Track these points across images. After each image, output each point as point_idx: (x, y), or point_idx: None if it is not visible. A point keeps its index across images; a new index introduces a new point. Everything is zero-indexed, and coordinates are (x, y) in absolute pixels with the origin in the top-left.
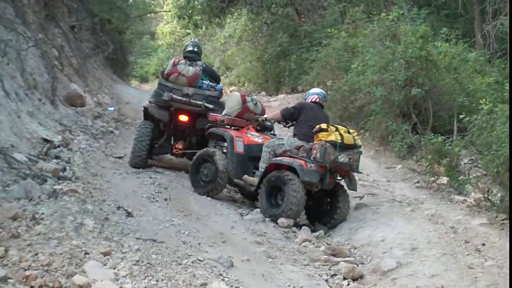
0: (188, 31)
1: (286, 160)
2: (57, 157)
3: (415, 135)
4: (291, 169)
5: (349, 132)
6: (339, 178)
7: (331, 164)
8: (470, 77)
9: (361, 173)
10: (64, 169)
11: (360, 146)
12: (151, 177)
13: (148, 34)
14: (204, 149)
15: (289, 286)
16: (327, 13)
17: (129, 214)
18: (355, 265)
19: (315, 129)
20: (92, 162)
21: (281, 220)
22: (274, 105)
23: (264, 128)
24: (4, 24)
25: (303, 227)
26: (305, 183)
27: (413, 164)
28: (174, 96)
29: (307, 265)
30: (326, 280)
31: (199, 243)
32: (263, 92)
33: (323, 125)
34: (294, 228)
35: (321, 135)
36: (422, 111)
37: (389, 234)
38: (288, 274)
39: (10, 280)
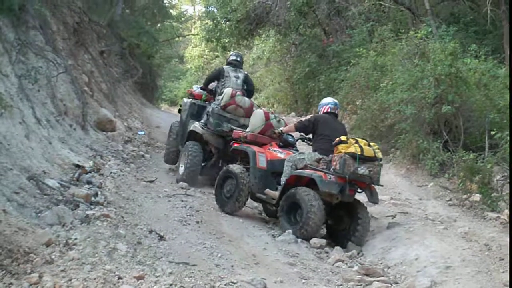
0: (216, 53)
1: (306, 172)
2: (88, 182)
3: (446, 152)
4: (311, 183)
5: (369, 145)
6: (360, 191)
7: (351, 175)
8: (500, 93)
9: (382, 185)
10: (96, 194)
11: (381, 159)
12: (182, 200)
13: (176, 57)
14: (228, 165)
15: None
16: (355, 32)
17: (161, 238)
18: (389, 285)
19: (335, 141)
20: (124, 187)
21: (314, 241)
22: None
23: (286, 144)
24: (34, 52)
25: (335, 247)
26: (324, 194)
27: (445, 182)
28: (233, 127)
29: (340, 285)
30: None
31: (232, 266)
32: (292, 113)
33: (343, 138)
34: (326, 249)
35: (341, 147)
36: (453, 128)
37: (423, 253)
38: None
39: None
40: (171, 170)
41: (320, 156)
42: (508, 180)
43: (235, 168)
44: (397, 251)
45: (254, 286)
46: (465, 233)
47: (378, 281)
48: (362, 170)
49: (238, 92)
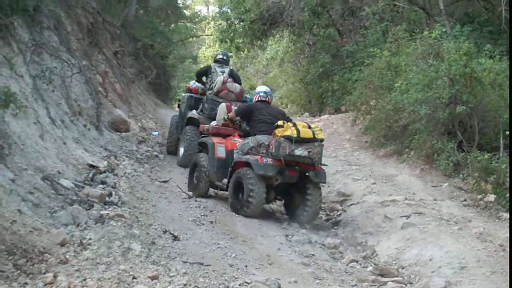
0: (230, 54)
1: (244, 157)
2: (103, 183)
3: (461, 153)
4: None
5: (309, 127)
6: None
7: (287, 157)
8: None
9: (326, 165)
10: (110, 194)
11: (322, 140)
12: (196, 201)
13: (190, 58)
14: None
15: None
16: (369, 32)
17: (175, 238)
18: (404, 285)
19: (273, 126)
20: (138, 187)
21: (328, 241)
22: (318, 125)
23: (248, 134)
24: (49, 52)
25: (349, 248)
26: (262, 176)
27: (459, 182)
28: None
29: (354, 285)
30: None
31: (246, 266)
32: (306, 113)
33: (280, 122)
34: (341, 249)
35: (278, 131)
36: (468, 129)
37: (437, 253)
38: None
39: None
40: (186, 170)
41: (262, 141)
42: None
43: (200, 157)
44: (411, 252)
45: (268, 286)
46: (480, 233)
47: (392, 281)
48: (300, 151)
49: (229, 79)
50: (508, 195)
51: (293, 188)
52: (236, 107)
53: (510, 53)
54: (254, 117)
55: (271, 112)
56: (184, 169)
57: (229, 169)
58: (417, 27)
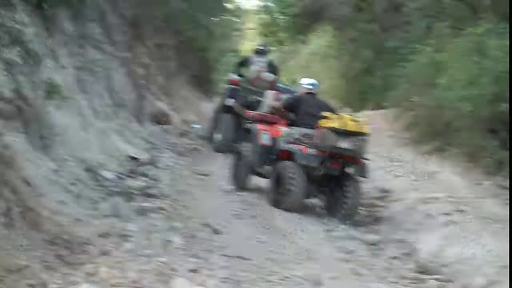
0: (273, 48)
1: (287, 146)
2: (144, 175)
3: (504, 151)
4: (292, 156)
5: (355, 121)
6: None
7: (331, 149)
8: None
9: (368, 160)
10: (151, 187)
11: (366, 134)
12: (237, 194)
13: (232, 51)
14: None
15: None
16: (412, 28)
17: (216, 231)
18: (444, 283)
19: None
20: (179, 180)
21: (368, 237)
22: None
23: (293, 124)
24: (92, 44)
25: (389, 244)
26: (304, 166)
27: (502, 181)
28: (259, 98)
29: (395, 282)
30: None
31: (286, 260)
32: (348, 109)
33: (326, 113)
34: (381, 245)
35: (323, 122)
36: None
37: (479, 252)
38: None
39: None
40: (226, 164)
41: (307, 131)
42: None
43: (242, 147)
44: (452, 249)
45: (308, 281)
46: None
47: (433, 279)
48: (344, 143)
49: (263, 69)
50: None
51: (334, 183)
52: (284, 97)
53: (510, 54)
54: (300, 109)
55: (317, 104)
56: (224, 162)
57: (273, 157)
58: (462, 24)
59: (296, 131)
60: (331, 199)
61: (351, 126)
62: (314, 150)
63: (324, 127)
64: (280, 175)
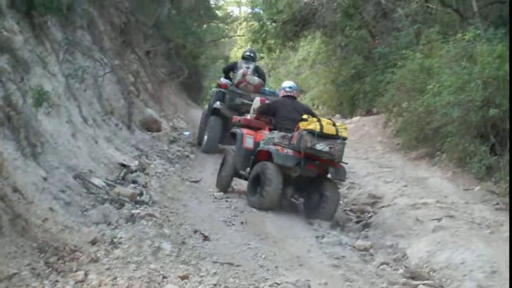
0: (262, 55)
1: (266, 146)
2: (134, 182)
3: (493, 156)
4: (270, 157)
5: (334, 125)
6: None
7: (308, 150)
8: None
9: (346, 163)
10: (141, 194)
11: (345, 138)
12: (227, 201)
13: (222, 58)
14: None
15: None
16: (402, 34)
17: (206, 238)
18: None
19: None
20: (169, 186)
21: (358, 243)
22: (350, 127)
23: (276, 129)
24: (81, 51)
25: (380, 250)
26: (280, 166)
27: (492, 186)
28: (244, 101)
29: None
30: None
31: (276, 267)
32: (337, 115)
33: (305, 116)
34: (371, 251)
35: (301, 125)
36: (500, 132)
37: (469, 257)
38: None
39: None
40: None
41: (284, 134)
42: None
43: (227, 152)
44: (442, 255)
45: (299, 287)
46: None
47: (423, 284)
48: (321, 146)
49: (248, 72)
50: None
51: (312, 186)
52: (267, 102)
53: (510, 54)
54: (279, 114)
55: (296, 108)
56: (214, 169)
57: (252, 157)
58: (450, 30)
59: (276, 135)
60: (310, 201)
61: (329, 129)
62: (291, 151)
63: (302, 129)
64: (257, 175)
